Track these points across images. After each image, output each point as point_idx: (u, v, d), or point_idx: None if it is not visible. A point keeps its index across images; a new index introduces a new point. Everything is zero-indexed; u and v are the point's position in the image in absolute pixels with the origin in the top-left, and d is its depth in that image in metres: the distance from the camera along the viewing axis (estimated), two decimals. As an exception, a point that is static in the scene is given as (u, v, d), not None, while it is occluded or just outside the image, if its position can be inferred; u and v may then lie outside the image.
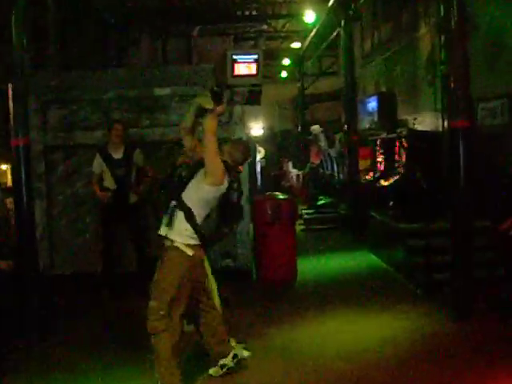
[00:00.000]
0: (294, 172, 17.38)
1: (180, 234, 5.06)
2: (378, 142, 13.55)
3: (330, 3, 12.12)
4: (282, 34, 16.52)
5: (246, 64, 8.19)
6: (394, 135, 11.93)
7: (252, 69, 8.22)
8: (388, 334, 6.67)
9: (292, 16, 14.83)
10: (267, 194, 9.72)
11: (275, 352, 6.29)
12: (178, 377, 5.05)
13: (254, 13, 14.07)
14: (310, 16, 12.64)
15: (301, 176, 16.92)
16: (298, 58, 19.58)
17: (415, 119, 12.53)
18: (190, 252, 5.06)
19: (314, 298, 8.33)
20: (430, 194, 8.62)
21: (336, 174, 16.31)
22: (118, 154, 8.28)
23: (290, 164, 18.13)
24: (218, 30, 14.47)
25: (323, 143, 17.33)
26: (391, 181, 11.51)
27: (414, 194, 9.09)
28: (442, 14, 6.75)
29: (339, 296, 8.29)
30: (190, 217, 5.03)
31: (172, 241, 5.06)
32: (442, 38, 7.12)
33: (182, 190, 5.10)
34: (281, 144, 22.04)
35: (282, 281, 8.84)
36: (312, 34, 14.83)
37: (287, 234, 9.00)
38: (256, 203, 9.22)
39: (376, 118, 14.87)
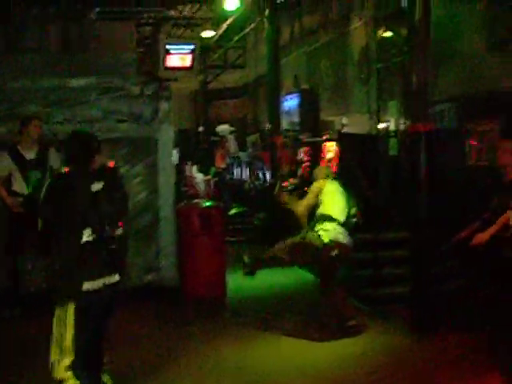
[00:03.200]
0: (199, 177, 17.67)
1: None
2: (302, 145, 14.12)
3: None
4: (191, 21, 16.81)
5: (180, 55, 8.43)
6: (321, 138, 12.51)
7: (186, 61, 8.48)
8: (344, 351, 7.15)
9: (203, 1, 15.13)
10: (194, 201, 10.01)
11: (228, 372, 6.62)
12: None
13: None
14: (231, 2, 13.01)
15: (212, 182, 17.25)
16: (203, 48, 19.88)
17: (343, 120, 13.21)
18: None
19: (250, 315, 8.68)
20: (375, 202, 9.17)
21: (249, 181, 16.74)
22: (30, 154, 8.30)
23: (194, 168, 18.41)
24: (119, 14, 14.54)
25: (233, 146, 17.74)
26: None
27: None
28: (407, 9, 7.30)
29: (278, 314, 8.66)
30: None
31: None
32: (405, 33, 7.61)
33: None
34: (178, 146, 22.18)
35: (213, 297, 9.14)
36: (228, 22, 15.26)
37: (217, 245, 9.33)
38: (181, 212, 9.48)
39: (296, 119, 15.42)
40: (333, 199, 7.77)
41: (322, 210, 7.68)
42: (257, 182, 16.09)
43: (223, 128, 18.23)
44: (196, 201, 10.03)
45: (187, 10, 16.05)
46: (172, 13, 14.23)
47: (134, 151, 9.21)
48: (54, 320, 4.96)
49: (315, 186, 7.95)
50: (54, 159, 8.42)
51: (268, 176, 15.08)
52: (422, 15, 7.14)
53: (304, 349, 7.27)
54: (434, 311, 7.49)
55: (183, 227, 9.30)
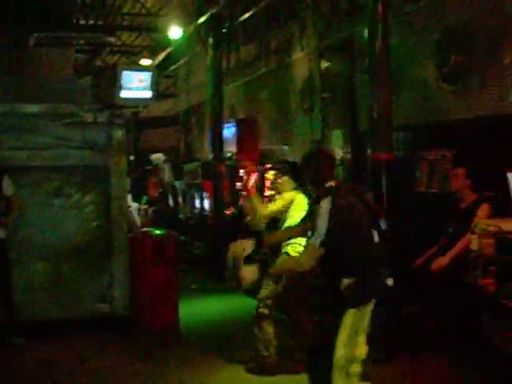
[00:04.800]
0: (134, 206, 17.56)
1: None
2: (242, 173, 14.20)
3: (202, 19, 12.71)
4: (130, 49, 16.78)
5: (137, 82, 8.41)
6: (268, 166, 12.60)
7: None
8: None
9: (144, 29, 15.14)
10: (145, 229, 9.94)
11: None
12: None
13: (101, 23, 14.23)
14: (175, 31, 13.09)
15: (149, 211, 17.13)
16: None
17: (285, 149, 13.38)
18: None
19: (205, 344, 8.65)
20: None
21: (185, 210, 16.71)
22: (-18, 182, 8.11)
23: (130, 197, 18.31)
24: (58, 40, 14.40)
25: (167, 174, 17.65)
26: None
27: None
28: (367, 38, 7.52)
29: (233, 342, 8.64)
30: None
31: None
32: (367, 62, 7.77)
33: None
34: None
35: (166, 327, 9.07)
36: (168, 50, 15.32)
37: (169, 275, 9.29)
38: (134, 241, 9.39)
39: (234, 148, 15.44)
40: (302, 213, 7.45)
41: (289, 221, 7.23)
42: (194, 211, 16.07)
43: (157, 156, 18.13)
44: (148, 229, 9.94)
45: (125, 38, 16.07)
46: (111, 39, 14.16)
47: (87, 179, 9.12)
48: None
49: (288, 195, 7.43)
50: (7, 187, 8.26)
51: (207, 205, 15.09)
52: (382, 44, 7.36)
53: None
54: (395, 336, 7.62)
55: (136, 256, 9.23)
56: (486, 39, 7.88)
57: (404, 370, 7.24)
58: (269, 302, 7.28)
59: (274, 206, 7.49)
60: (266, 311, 7.27)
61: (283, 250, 7.28)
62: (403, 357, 7.52)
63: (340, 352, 4.96)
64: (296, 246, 7.17)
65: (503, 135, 7.57)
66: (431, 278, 7.37)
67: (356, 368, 5.06)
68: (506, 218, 6.61)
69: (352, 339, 4.99)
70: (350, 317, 4.96)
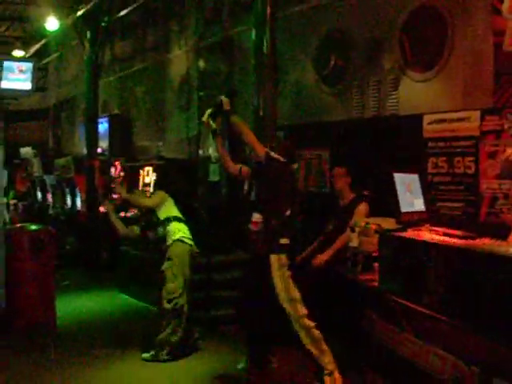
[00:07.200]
0: (2, 201, 16.96)
1: None
2: (113, 170, 13.98)
3: (80, 12, 12.38)
4: (1, 39, 16.13)
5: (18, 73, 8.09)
6: (142, 162, 12.47)
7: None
8: (193, 371, 7.17)
9: (17, 19, 14.63)
10: (20, 225, 9.60)
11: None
12: None
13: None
14: (52, 23, 12.70)
15: (20, 206, 16.56)
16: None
17: (160, 146, 13.27)
18: None
19: (83, 342, 8.43)
20: (210, 225, 9.30)
21: (56, 205, 16.26)
22: None
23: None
24: None
25: (37, 168, 17.14)
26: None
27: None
28: (254, 39, 7.56)
29: (113, 339, 8.50)
30: None
31: None
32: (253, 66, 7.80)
33: None
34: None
35: (43, 324, 8.81)
36: (42, 42, 14.84)
37: (46, 271, 9.04)
38: (10, 235, 9.04)
39: (105, 143, 15.17)
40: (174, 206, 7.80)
41: (167, 213, 7.65)
42: (65, 207, 15.64)
43: (26, 150, 17.60)
44: (24, 224, 9.59)
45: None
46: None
47: (-39, 172, 8.71)
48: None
49: (160, 193, 7.87)
50: None
51: (79, 200, 14.73)
52: (269, 48, 7.43)
53: (150, 371, 7.17)
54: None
55: (12, 251, 8.88)
56: (366, 46, 8.10)
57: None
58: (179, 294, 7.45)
59: (156, 200, 7.75)
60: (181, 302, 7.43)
61: (175, 237, 7.52)
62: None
63: None
64: (187, 233, 7.61)
65: (381, 136, 7.81)
66: (311, 275, 7.49)
67: None
68: (383, 216, 6.80)
69: None
70: None
